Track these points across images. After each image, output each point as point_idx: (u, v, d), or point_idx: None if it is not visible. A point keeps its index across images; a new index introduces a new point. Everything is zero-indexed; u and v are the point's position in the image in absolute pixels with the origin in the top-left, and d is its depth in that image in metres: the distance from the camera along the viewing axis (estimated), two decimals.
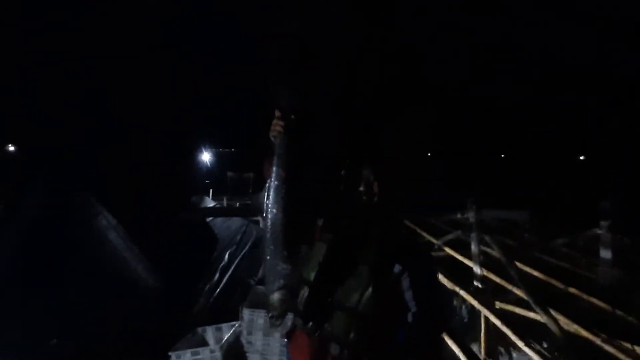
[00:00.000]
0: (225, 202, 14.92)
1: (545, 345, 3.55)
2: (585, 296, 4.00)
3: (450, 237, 5.61)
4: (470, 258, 4.61)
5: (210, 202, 14.98)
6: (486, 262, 4.53)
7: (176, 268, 6.98)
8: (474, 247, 4.46)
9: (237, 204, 14.16)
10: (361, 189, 1.51)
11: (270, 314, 1.52)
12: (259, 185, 1.58)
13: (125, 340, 4.55)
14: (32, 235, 5.94)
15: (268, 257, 1.49)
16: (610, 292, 3.98)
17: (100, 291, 5.34)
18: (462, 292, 4.34)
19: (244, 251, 7.84)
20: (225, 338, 3.63)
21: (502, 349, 4.06)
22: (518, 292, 4.03)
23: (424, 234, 6.42)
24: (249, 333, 3.53)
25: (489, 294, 4.19)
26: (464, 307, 4.81)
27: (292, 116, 1.52)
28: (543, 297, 3.66)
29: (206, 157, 22.55)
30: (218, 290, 6.77)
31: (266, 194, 1.51)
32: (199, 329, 3.94)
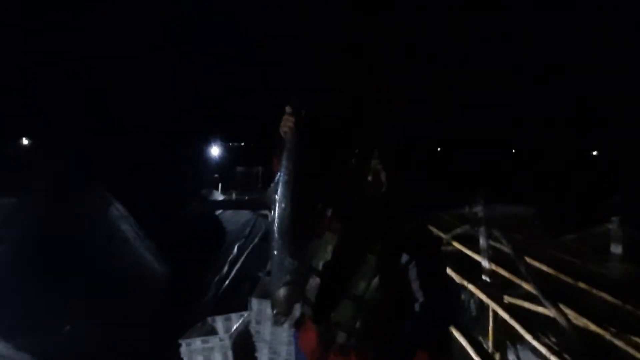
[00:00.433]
0: (234, 196, 15.01)
1: (554, 339, 3.53)
2: (595, 291, 3.96)
3: (458, 231, 5.58)
4: (478, 252, 4.58)
5: (219, 196, 15.08)
6: (495, 256, 4.50)
7: (186, 259, 7.07)
8: (482, 242, 4.44)
9: (246, 198, 14.22)
10: (369, 179, 1.51)
11: (275, 311, 1.50)
12: (268, 179, 1.57)
13: (136, 328, 4.63)
14: (45, 225, 6.05)
15: (275, 252, 1.47)
16: (620, 287, 3.94)
17: (111, 280, 5.44)
18: (470, 286, 4.32)
19: (252, 244, 7.90)
20: (235, 327, 3.67)
21: (510, 343, 4.05)
22: (527, 286, 4.00)
23: (432, 229, 6.39)
24: (258, 322, 3.56)
25: (497, 288, 4.17)
26: (472, 301, 4.80)
27: (303, 112, 1.51)
28: (552, 291, 3.63)
29: (215, 151, 22.62)
30: (227, 282, 6.85)
31: (275, 188, 1.50)
32: (209, 319, 4.00)
